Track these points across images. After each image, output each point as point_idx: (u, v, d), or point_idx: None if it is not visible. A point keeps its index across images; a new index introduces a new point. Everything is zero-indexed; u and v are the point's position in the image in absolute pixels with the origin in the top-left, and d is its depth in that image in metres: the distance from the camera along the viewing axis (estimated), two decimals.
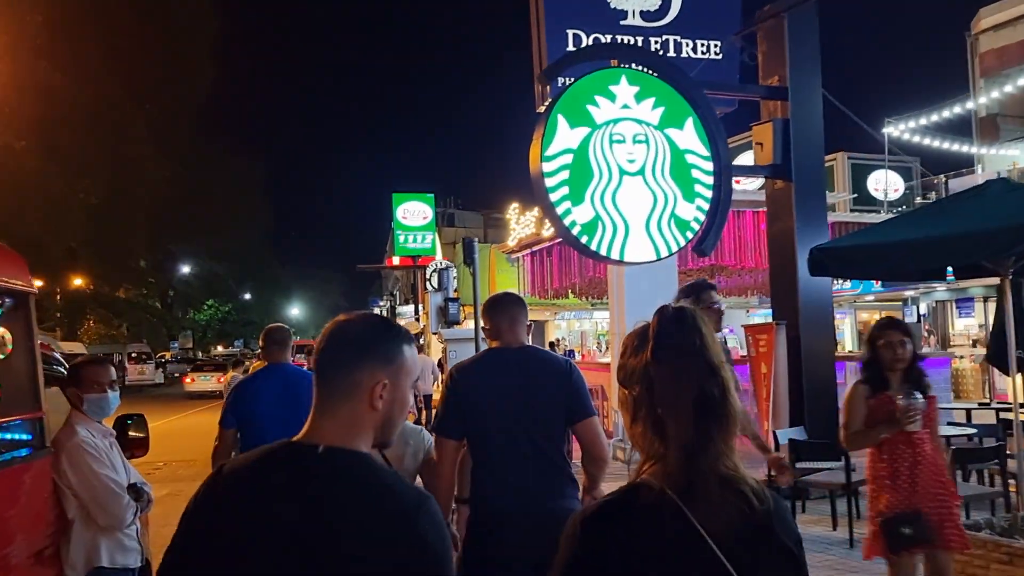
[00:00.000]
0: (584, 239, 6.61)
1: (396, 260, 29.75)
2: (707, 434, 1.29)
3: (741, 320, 19.33)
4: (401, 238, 28.49)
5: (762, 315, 29.66)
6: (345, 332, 1.49)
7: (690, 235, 7.00)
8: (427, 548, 1.32)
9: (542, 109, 8.42)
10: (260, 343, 4.60)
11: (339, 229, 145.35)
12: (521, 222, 14.04)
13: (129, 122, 34.73)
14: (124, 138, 34.37)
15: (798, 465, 6.27)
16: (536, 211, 13.47)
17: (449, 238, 35.39)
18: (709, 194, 7.05)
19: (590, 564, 1.27)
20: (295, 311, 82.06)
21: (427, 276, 30.03)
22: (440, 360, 14.87)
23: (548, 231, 12.97)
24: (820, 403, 7.21)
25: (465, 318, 11.99)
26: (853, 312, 25.67)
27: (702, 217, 7.02)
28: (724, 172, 7.09)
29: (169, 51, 37.00)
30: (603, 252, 6.66)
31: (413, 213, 28.57)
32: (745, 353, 9.09)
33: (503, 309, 3.05)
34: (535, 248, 14.36)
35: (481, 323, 3.32)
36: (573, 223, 6.59)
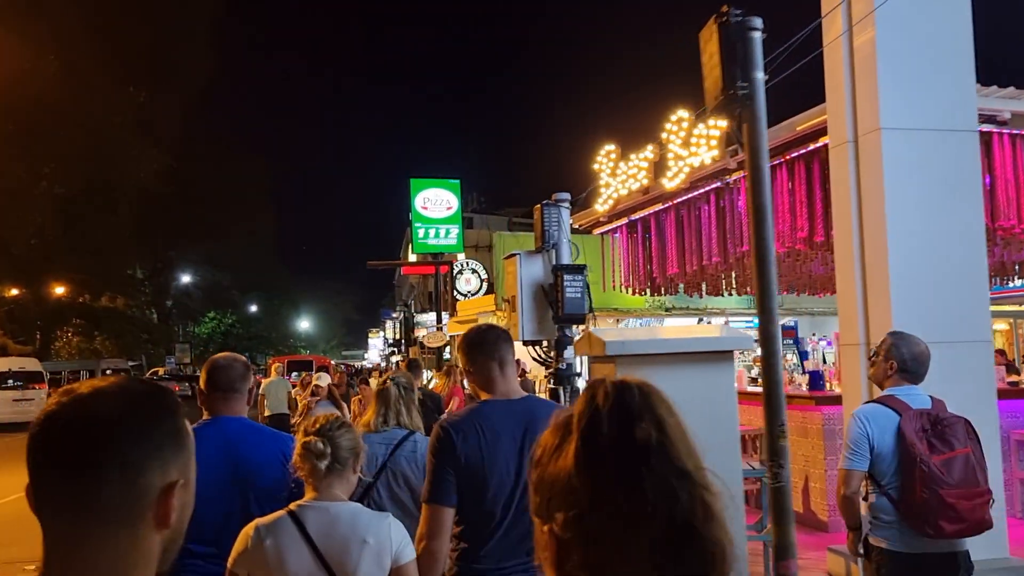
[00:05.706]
0: None
1: (414, 258, 24.93)
2: None
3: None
4: (420, 232, 23.64)
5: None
6: (106, 411, 0.89)
7: None
8: None
9: None
10: (199, 385, 2.91)
11: (353, 242, 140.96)
12: (619, 175, 8.97)
13: (111, 104, 30.14)
14: (104, 122, 29.76)
15: None
16: (650, 150, 8.48)
17: (470, 241, 30.79)
18: None
19: None
20: (305, 324, 79.20)
21: (454, 275, 25.32)
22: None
23: (673, 180, 8.07)
24: None
25: (595, 317, 4.93)
26: (1014, 322, 20.21)
27: None
28: None
29: (161, 29, 32.61)
30: None
31: (435, 202, 23.76)
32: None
33: (489, 350, 2.53)
34: (636, 216, 9.45)
35: (459, 364, 2.64)
36: None
